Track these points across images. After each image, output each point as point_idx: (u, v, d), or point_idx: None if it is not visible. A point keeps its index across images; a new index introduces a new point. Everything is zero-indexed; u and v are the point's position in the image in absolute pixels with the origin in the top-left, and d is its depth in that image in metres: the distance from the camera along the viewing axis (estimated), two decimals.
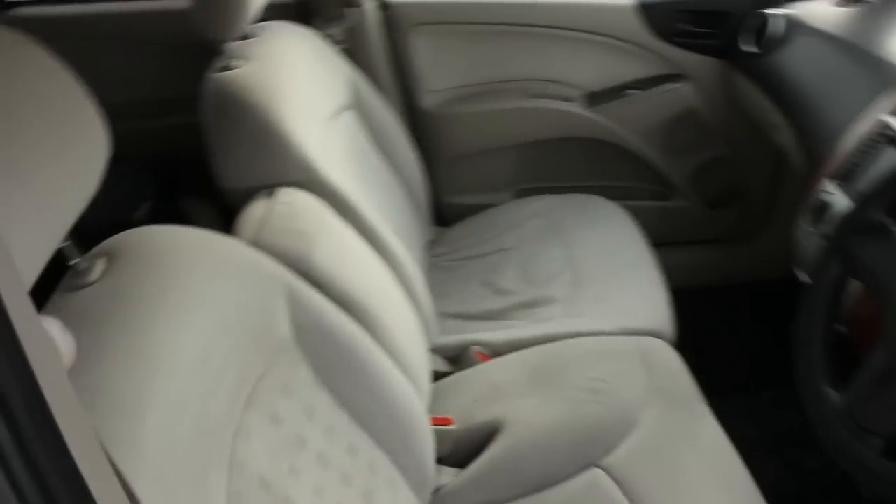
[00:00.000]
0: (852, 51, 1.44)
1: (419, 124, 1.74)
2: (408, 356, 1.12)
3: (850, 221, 1.01)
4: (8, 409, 0.39)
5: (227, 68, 1.18)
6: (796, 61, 1.54)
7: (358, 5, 1.60)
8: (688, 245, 1.92)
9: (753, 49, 1.63)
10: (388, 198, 1.44)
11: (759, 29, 1.62)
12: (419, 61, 1.71)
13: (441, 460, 1.19)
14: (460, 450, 1.21)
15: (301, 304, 0.92)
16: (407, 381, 1.07)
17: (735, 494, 1.09)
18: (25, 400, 0.40)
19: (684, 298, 1.49)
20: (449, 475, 1.18)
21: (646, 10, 1.68)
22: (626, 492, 1.09)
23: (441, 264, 1.62)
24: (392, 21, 1.67)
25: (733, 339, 1.84)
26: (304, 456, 0.86)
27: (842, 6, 1.57)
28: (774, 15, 1.60)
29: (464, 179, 1.85)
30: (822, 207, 1.25)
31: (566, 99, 1.76)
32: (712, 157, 1.82)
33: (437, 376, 1.33)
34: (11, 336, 0.39)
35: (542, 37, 1.71)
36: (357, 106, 1.43)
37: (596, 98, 1.77)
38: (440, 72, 1.73)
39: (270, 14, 1.32)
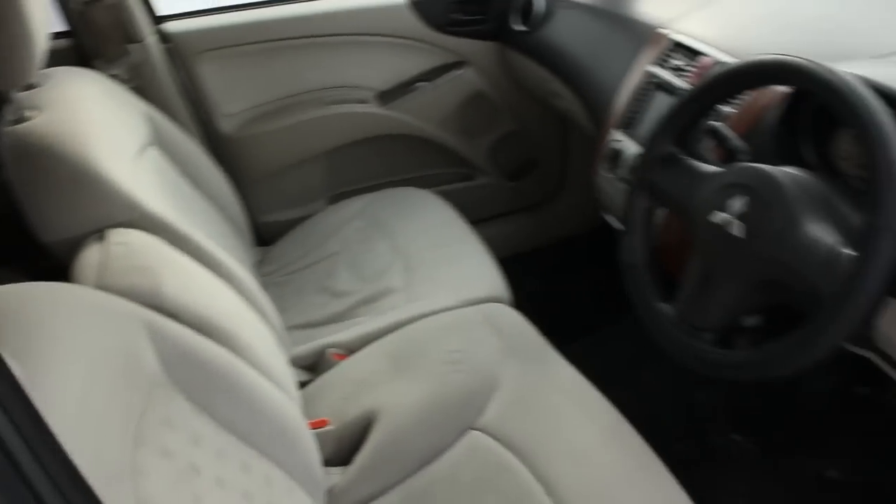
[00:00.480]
0: (608, 16, 1.62)
1: (222, 149, 1.72)
2: (272, 368, 1.13)
3: (646, 159, 1.14)
4: None
5: (20, 120, 1.12)
6: (563, 32, 1.70)
7: (139, 41, 1.56)
8: (499, 217, 2.05)
9: (522, 27, 1.77)
10: (210, 225, 1.42)
11: (525, 8, 1.77)
12: (211, 87, 1.69)
13: (327, 462, 1.20)
14: (342, 448, 1.23)
15: (163, 337, 0.91)
16: (277, 391, 1.07)
17: (601, 421, 1.19)
18: None
19: (509, 266, 1.59)
20: (337, 474, 1.19)
21: (418, 6, 1.77)
22: (505, 444, 1.16)
23: (273, 281, 1.62)
24: (176, 52, 1.64)
25: (562, 291, 1.99)
26: (201, 483, 0.85)
27: None
28: None
29: (277, 196, 1.85)
30: (616, 155, 1.40)
31: (361, 101, 1.81)
32: (505, 133, 1.95)
33: (301, 386, 1.34)
34: None
35: (326, 46, 1.75)
36: (158, 141, 1.40)
37: (388, 96, 1.84)
38: (233, 95, 1.72)
39: (50, 61, 1.26)
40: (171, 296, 1.02)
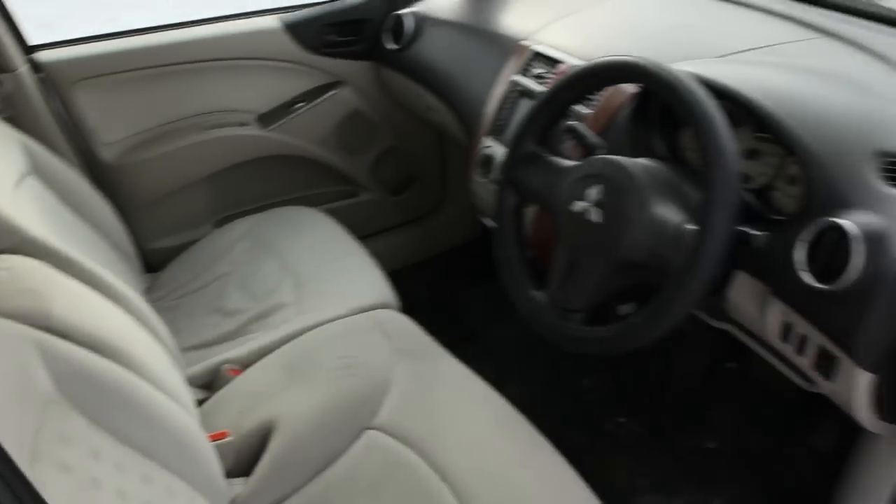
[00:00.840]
0: (474, 31, 1.71)
1: (104, 177, 1.71)
2: (168, 383, 1.14)
3: (511, 158, 1.22)
4: None
5: None
6: (432, 49, 1.78)
7: (11, 70, 1.54)
8: (385, 232, 2.11)
9: (394, 46, 1.85)
10: (95, 252, 1.42)
11: (396, 28, 1.84)
12: (88, 116, 1.69)
13: (229, 473, 1.22)
14: (243, 459, 1.25)
15: (54, 356, 0.92)
16: (174, 404, 1.09)
17: (491, 412, 1.26)
18: None
19: (397, 278, 1.64)
20: (239, 485, 1.21)
21: (292, 29, 1.82)
22: (400, 440, 1.21)
23: (163, 306, 1.62)
24: (51, 81, 1.63)
25: (450, 299, 2.06)
26: (103, 496, 0.87)
27: None
28: (405, 14, 1.83)
29: (163, 222, 1.85)
30: (487, 161, 1.49)
31: (241, 124, 1.84)
32: (384, 149, 2.02)
33: (199, 404, 1.35)
34: None
35: (203, 71, 1.77)
36: (36, 171, 1.39)
37: (268, 118, 1.87)
38: (112, 123, 1.72)
39: None
40: (60, 316, 1.02)
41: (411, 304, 1.58)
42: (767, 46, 1.27)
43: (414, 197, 2.12)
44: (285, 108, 1.88)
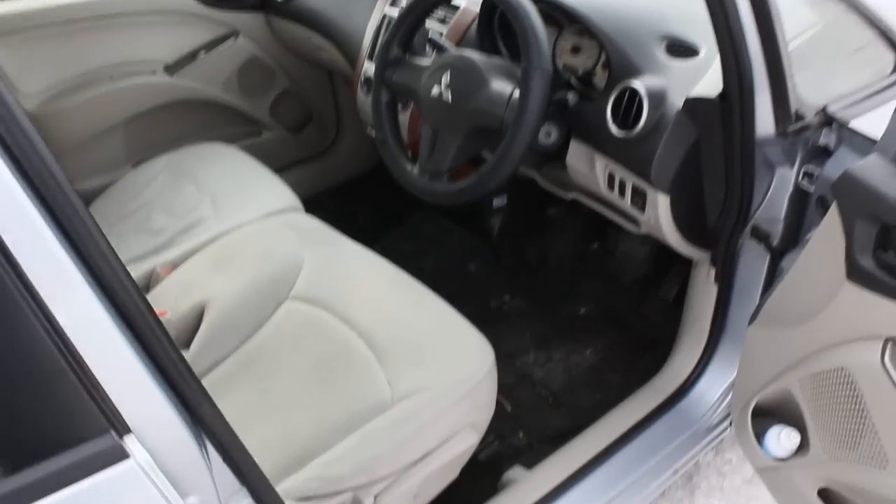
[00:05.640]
0: None
1: None
2: None
3: (380, 63, 1.49)
4: None
5: None
6: None
7: None
8: (290, 167, 2.35)
9: None
10: None
11: None
12: (7, 70, 1.87)
13: None
14: (181, 336, 1.48)
15: None
16: None
17: (386, 274, 1.52)
18: None
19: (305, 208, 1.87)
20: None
21: None
22: (314, 304, 1.47)
23: None
24: None
25: (352, 214, 2.30)
26: None
27: None
28: None
29: (84, 166, 2.05)
30: (368, 79, 1.76)
31: (151, 72, 2.05)
32: (281, 91, 2.26)
33: None
34: None
35: (111, 26, 1.97)
36: None
37: (174, 67, 2.09)
38: (30, 76, 1.90)
39: None
40: None
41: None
42: None
43: (312, 134, 2.37)
44: (189, 58, 2.09)
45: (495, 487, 1.50)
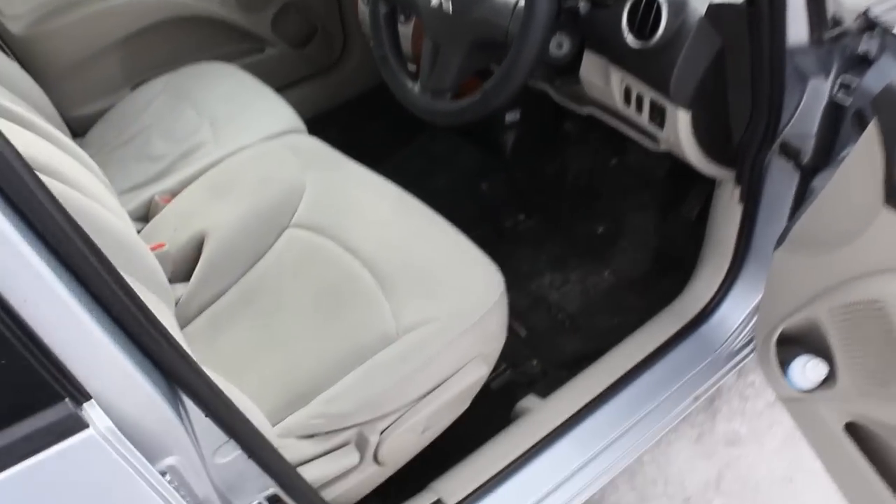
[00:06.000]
0: None
1: (17, 49, 1.81)
2: (105, 198, 1.27)
3: None
4: None
5: None
6: None
7: None
8: (294, 85, 2.25)
9: None
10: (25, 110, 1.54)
11: None
12: None
13: (171, 280, 1.40)
14: (180, 267, 1.43)
15: None
16: (114, 216, 1.24)
17: (390, 198, 1.45)
18: None
19: (308, 127, 1.77)
20: (181, 288, 1.40)
21: None
22: (316, 231, 1.40)
23: (95, 161, 1.76)
24: None
25: (359, 135, 2.22)
26: None
27: None
28: None
29: (82, 89, 1.97)
30: None
31: None
32: (283, 3, 2.14)
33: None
34: None
35: None
36: None
37: None
38: None
39: None
40: None
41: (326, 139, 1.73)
42: None
43: (317, 48, 2.25)
44: None
45: (509, 417, 1.46)
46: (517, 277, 1.68)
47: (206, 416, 0.75)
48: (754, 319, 1.48)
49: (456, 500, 1.29)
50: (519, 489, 1.31)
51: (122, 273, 1.17)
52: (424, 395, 1.21)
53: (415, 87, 1.34)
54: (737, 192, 1.34)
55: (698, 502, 1.62)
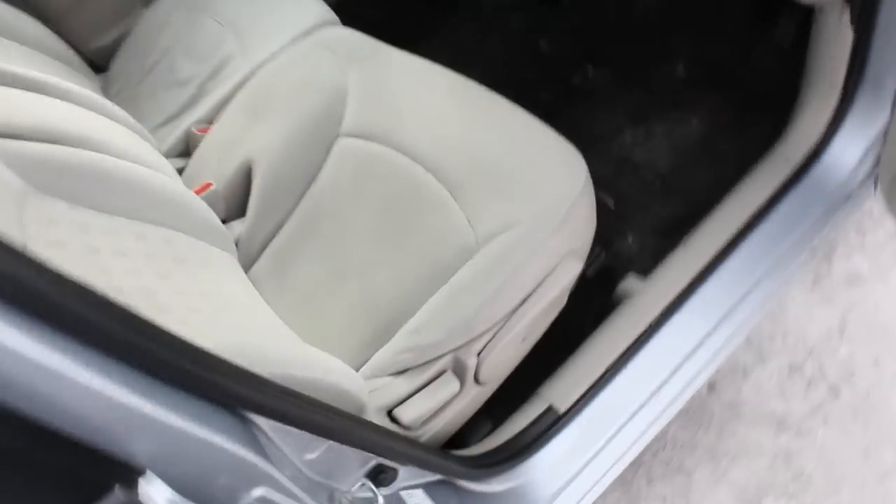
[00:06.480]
0: None
1: None
2: (141, 156, 1.19)
3: None
4: None
5: None
6: None
7: None
8: None
9: None
10: (34, 65, 1.42)
11: None
12: None
13: (225, 220, 1.30)
14: (233, 203, 1.32)
15: (16, 156, 0.94)
16: (152, 171, 1.14)
17: (444, 86, 1.29)
18: None
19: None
20: (238, 226, 1.30)
21: None
22: (368, 138, 1.27)
23: (124, 97, 1.65)
24: None
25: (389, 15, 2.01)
26: (102, 259, 0.94)
27: None
28: None
29: (92, 20, 1.81)
30: None
31: None
32: None
33: (180, 172, 1.42)
34: None
35: None
36: None
37: None
38: None
39: None
40: (16, 123, 1.05)
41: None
42: None
43: None
44: None
45: (610, 303, 1.35)
46: (595, 140, 1.51)
47: (284, 423, 0.65)
48: (872, 153, 1.30)
49: (567, 405, 1.21)
50: (632, 381, 1.21)
51: (166, 229, 1.09)
52: (517, 308, 1.10)
53: None
54: (846, 14, 1.13)
55: (823, 353, 1.49)
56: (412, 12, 1.97)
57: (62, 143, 1.06)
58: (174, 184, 1.16)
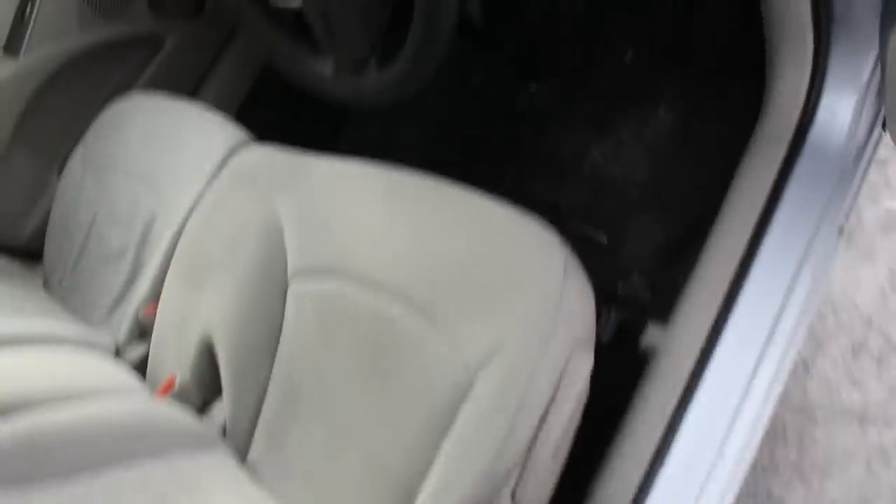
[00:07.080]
0: None
1: None
2: (93, 378, 1.10)
3: None
4: None
5: None
6: None
7: None
8: (219, 64, 1.89)
9: None
10: None
11: None
12: None
13: (205, 403, 1.20)
14: (206, 385, 1.21)
15: None
16: (116, 401, 1.05)
17: (378, 188, 1.15)
18: None
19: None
20: (219, 410, 1.19)
21: None
22: (318, 273, 1.14)
23: (67, 285, 1.54)
24: None
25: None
26: None
27: None
28: None
29: (7, 208, 1.70)
30: None
31: None
32: None
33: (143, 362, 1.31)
34: None
35: None
36: None
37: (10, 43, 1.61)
38: None
39: None
40: None
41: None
42: None
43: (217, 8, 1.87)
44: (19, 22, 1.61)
45: (637, 360, 1.20)
46: (564, 166, 1.36)
47: None
48: (868, 102, 1.14)
49: (629, 499, 1.07)
50: (687, 455, 1.07)
51: (140, 462, 0.98)
52: (538, 432, 0.96)
53: (323, 67, 0.99)
54: None
55: (883, 320, 1.34)
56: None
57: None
58: (139, 411, 1.07)
